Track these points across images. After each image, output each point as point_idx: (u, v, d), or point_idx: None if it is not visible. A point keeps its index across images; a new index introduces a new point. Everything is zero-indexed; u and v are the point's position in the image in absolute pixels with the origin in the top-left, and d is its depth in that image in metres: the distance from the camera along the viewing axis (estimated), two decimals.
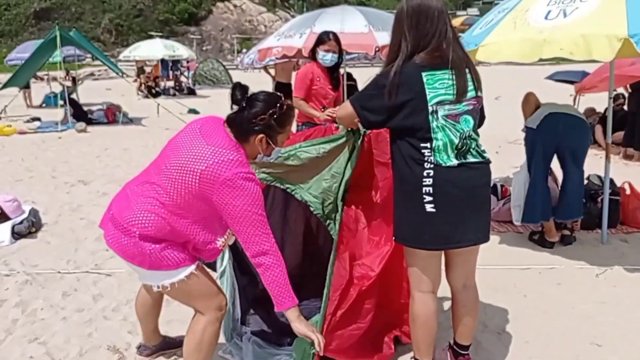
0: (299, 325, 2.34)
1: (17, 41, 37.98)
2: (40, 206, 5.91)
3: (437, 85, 2.43)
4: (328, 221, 2.96)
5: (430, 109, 2.42)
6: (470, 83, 2.50)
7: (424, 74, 2.43)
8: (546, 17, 4.09)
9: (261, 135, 2.39)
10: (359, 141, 2.88)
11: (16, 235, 5.04)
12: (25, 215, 5.23)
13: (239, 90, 2.41)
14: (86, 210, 5.95)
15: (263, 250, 2.29)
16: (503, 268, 4.24)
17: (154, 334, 3.02)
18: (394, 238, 2.68)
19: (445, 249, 2.61)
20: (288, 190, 3.06)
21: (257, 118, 2.36)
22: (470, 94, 2.50)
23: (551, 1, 4.18)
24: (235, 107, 2.42)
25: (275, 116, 2.38)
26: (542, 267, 4.28)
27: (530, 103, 4.82)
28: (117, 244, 2.39)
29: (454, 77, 2.45)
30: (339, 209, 2.92)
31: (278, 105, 2.40)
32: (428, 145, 2.45)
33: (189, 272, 2.42)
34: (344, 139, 2.92)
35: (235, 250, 3.02)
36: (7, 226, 5.03)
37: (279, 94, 2.54)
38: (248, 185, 2.26)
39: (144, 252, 2.34)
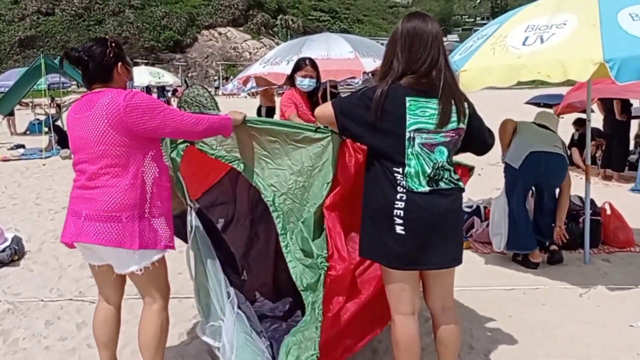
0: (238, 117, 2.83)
1: (0, 69, 37.92)
2: (24, 234, 5.85)
3: (419, 112, 2.46)
4: (276, 213, 2.89)
5: (407, 134, 2.46)
6: (454, 114, 2.52)
7: (407, 98, 2.46)
8: (524, 43, 4.20)
9: (119, 64, 2.68)
10: (337, 145, 2.86)
11: None
12: (7, 243, 5.17)
13: (74, 52, 2.66)
14: None
15: (195, 121, 2.63)
16: (487, 289, 4.26)
17: None
18: (360, 253, 2.72)
19: (410, 269, 2.60)
20: (244, 174, 2.99)
21: (106, 55, 2.64)
22: (452, 125, 2.52)
23: (528, 28, 4.30)
24: (80, 67, 2.65)
25: (114, 45, 2.69)
26: (526, 287, 4.32)
27: (507, 132, 4.86)
28: (104, 235, 2.52)
29: (439, 106, 2.48)
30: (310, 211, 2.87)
31: (107, 39, 2.71)
32: (400, 170, 2.48)
33: (163, 253, 2.71)
34: (324, 138, 2.87)
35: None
36: None
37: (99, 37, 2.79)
38: (141, 99, 2.56)
39: (133, 231, 2.54)
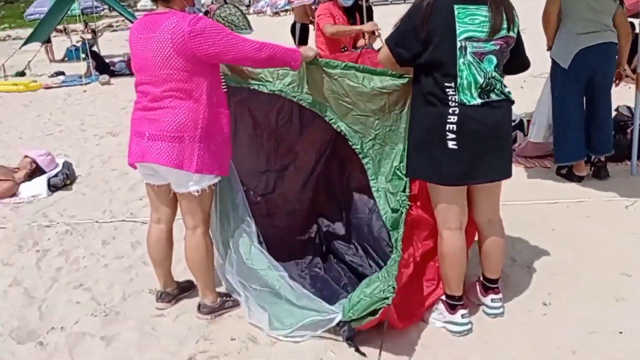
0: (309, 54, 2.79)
1: None
2: (72, 159, 6.06)
3: (468, 21, 2.40)
4: (366, 159, 2.90)
5: (458, 44, 2.40)
6: (504, 21, 2.45)
7: (456, 6, 2.40)
8: None
9: None
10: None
11: (52, 187, 5.20)
12: (59, 168, 5.38)
13: None
14: (117, 162, 6.08)
15: (259, 47, 2.62)
16: (531, 203, 4.24)
17: (171, 278, 3.16)
18: (408, 174, 2.73)
19: (464, 184, 2.64)
20: (325, 117, 2.93)
21: None
22: (502, 32, 2.46)
23: None
24: None
25: None
26: (570, 200, 4.28)
27: (551, 24, 4.46)
28: (166, 155, 2.63)
29: (490, 13, 2.41)
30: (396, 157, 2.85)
31: None
32: (452, 84, 2.44)
33: (217, 179, 2.82)
34: (402, 81, 2.72)
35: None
36: (43, 179, 5.20)
37: None
38: (205, 24, 2.56)
39: (192, 154, 2.63)
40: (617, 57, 4.48)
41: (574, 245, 3.58)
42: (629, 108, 5.32)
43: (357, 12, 5.64)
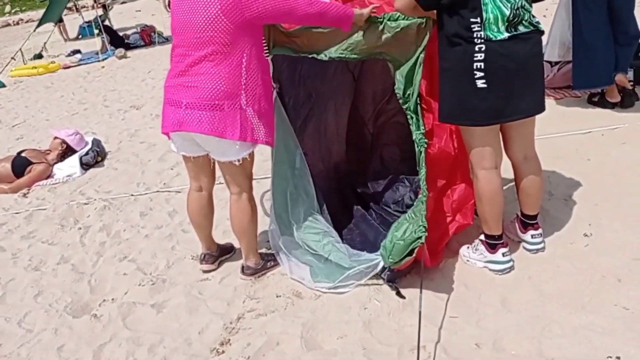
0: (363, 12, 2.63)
1: None
2: (101, 135, 6.14)
3: None
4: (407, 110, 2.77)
5: None
6: None
7: None
8: None
9: None
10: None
11: (85, 166, 5.29)
12: (89, 146, 5.46)
13: None
14: (144, 134, 6.14)
15: (309, 2, 2.54)
16: (563, 135, 4.16)
17: (212, 240, 3.22)
18: (440, 118, 2.66)
19: (497, 123, 2.60)
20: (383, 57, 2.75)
21: None
22: None
23: None
24: None
25: None
26: (604, 128, 4.18)
27: None
28: (207, 124, 2.57)
29: None
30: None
31: None
32: (478, 19, 2.37)
33: (256, 147, 2.78)
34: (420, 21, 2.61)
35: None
36: (75, 159, 5.29)
37: None
38: None
39: (235, 121, 2.58)
40: None
41: (611, 173, 3.51)
42: None
43: None
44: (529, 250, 2.87)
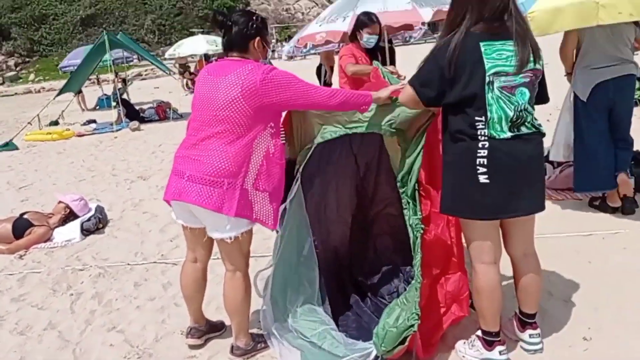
0: (384, 93, 2.77)
1: (67, 48, 39.27)
2: (105, 203, 6.18)
3: (495, 56, 2.42)
4: (405, 197, 2.85)
5: (487, 79, 2.42)
6: (530, 55, 2.47)
7: (482, 43, 2.42)
8: None
9: (258, 38, 2.74)
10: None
11: (85, 232, 5.30)
12: (92, 213, 5.49)
13: (220, 15, 2.74)
14: (148, 205, 6.18)
15: (329, 94, 2.67)
16: (564, 236, 4.16)
17: (202, 315, 3.17)
18: (442, 210, 2.69)
19: (499, 219, 2.62)
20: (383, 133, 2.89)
21: (249, 25, 2.71)
22: (530, 65, 2.48)
23: None
24: (222, 31, 2.75)
25: (259, 19, 2.78)
26: (605, 232, 4.18)
27: (568, 59, 4.56)
28: (204, 197, 2.61)
29: (516, 47, 2.43)
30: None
31: (255, 12, 2.84)
32: (483, 118, 2.45)
33: (253, 226, 2.79)
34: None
35: None
36: (76, 224, 5.30)
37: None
38: (278, 74, 2.62)
39: (233, 198, 2.60)
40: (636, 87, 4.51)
41: (612, 278, 3.48)
42: None
43: (379, 53, 5.73)
44: (527, 351, 2.80)
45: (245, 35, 2.72)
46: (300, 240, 3.06)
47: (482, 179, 2.47)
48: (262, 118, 2.64)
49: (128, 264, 4.51)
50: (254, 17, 2.76)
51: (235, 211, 2.62)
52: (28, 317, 3.73)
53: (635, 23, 4.34)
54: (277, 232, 2.92)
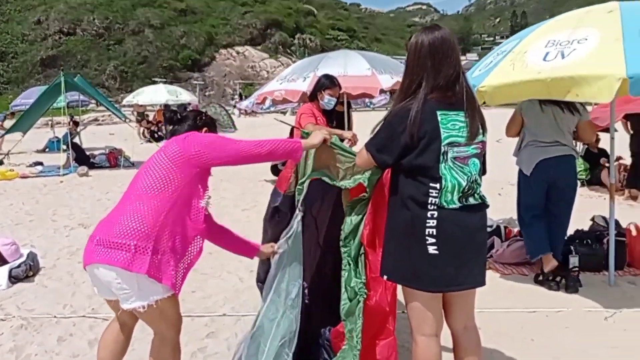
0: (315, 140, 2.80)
1: (23, 88, 38.63)
2: (39, 250, 5.85)
3: (450, 126, 2.42)
4: (344, 248, 2.82)
5: (442, 149, 2.40)
6: (479, 126, 2.49)
7: (438, 112, 2.42)
8: (544, 59, 4.14)
9: (205, 128, 2.82)
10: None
11: (13, 279, 4.96)
12: (23, 259, 5.17)
13: (168, 113, 2.99)
14: None
15: (256, 144, 2.63)
16: (509, 311, 4.14)
17: None
18: (386, 277, 2.61)
19: (447, 291, 2.55)
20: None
21: (197, 119, 2.84)
22: (479, 137, 2.49)
23: (549, 43, 4.23)
24: (170, 124, 2.87)
25: (205, 116, 2.91)
26: (549, 310, 4.18)
27: (512, 135, 4.96)
28: (115, 260, 2.40)
29: (467, 118, 2.45)
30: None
31: (202, 112, 2.96)
32: (437, 185, 2.42)
33: (168, 294, 2.52)
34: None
35: None
36: (4, 270, 4.97)
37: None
38: (201, 134, 2.72)
39: (144, 260, 2.40)
40: (575, 172, 4.82)
41: (553, 357, 3.44)
42: (604, 218, 5.37)
43: (336, 117, 5.82)
44: None
45: (192, 126, 2.80)
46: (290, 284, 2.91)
47: (432, 249, 2.41)
48: (184, 176, 2.54)
49: (54, 316, 4.21)
50: (204, 114, 2.90)
51: (147, 269, 2.39)
52: None
53: (572, 110, 4.65)
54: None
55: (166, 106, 22.94)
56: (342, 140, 3.87)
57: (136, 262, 2.40)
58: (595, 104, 8.15)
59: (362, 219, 2.74)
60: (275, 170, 9.51)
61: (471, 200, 2.47)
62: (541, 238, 4.70)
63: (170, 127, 2.85)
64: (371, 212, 2.74)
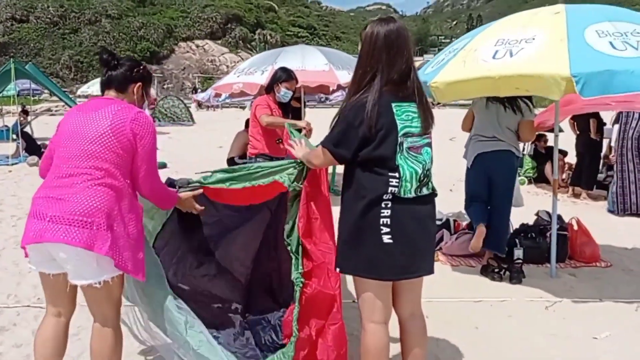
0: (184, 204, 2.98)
1: None
2: None
3: (404, 117, 2.47)
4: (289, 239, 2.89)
5: (398, 139, 2.45)
6: (430, 117, 2.56)
7: (393, 104, 2.46)
8: (494, 57, 4.26)
9: (139, 84, 2.73)
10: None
11: None
12: None
13: (106, 54, 2.70)
14: None
15: (150, 179, 2.61)
16: (455, 301, 4.25)
17: None
18: (338, 269, 2.64)
19: (403, 279, 2.60)
20: None
21: (133, 70, 2.71)
22: (430, 127, 2.57)
23: (498, 41, 4.36)
24: (106, 69, 2.70)
25: (146, 70, 2.81)
26: (493, 299, 4.32)
27: (466, 129, 5.23)
28: (71, 236, 2.35)
29: (419, 110, 2.50)
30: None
31: (142, 63, 2.81)
32: (397, 174, 2.45)
33: (122, 272, 2.53)
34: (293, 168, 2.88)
35: None
36: None
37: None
38: (150, 122, 2.61)
39: (105, 237, 2.39)
40: (512, 167, 5.01)
41: (495, 345, 3.56)
42: (548, 213, 5.57)
43: (291, 110, 5.88)
44: None
45: (127, 76, 2.69)
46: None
47: (386, 238, 2.45)
48: (131, 160, 2.54)
49: None
50: (142, 66, 2.78)
51: (107, 250, 2.38)
52: None
53: (515, 110, 4.85)
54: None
55: None
56: (299, 130, 3.93)
57: (98, 242, 2.37)
58: (544, 107, 8.43)
59: (297, 213, 2.82)
60: (232, 164, 9.44)
61: (424, 191, 2.53)
62: (479, 212, 4.96)
63: (105, 71, 2.69)
64: (304, 204, 2.79)
